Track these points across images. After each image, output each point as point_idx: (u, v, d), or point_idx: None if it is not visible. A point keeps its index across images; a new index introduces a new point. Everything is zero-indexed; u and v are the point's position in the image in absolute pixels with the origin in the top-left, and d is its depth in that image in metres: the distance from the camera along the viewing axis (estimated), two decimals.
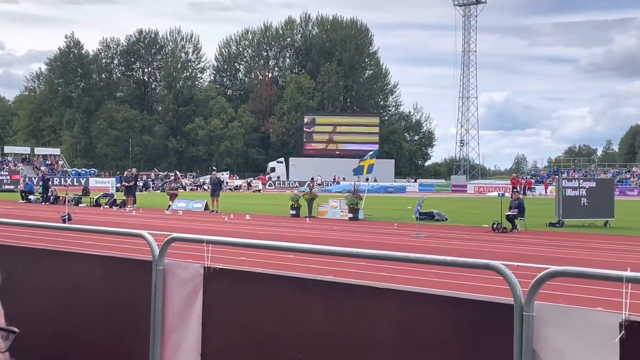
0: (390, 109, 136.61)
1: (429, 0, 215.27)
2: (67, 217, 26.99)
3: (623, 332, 3.63)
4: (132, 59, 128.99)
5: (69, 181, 72.72)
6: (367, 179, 41.34)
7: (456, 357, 4.13)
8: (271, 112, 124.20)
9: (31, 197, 45.50)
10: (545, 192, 77.74)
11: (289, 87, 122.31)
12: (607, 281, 4.07)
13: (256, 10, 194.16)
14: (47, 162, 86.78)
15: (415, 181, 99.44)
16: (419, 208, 25.62)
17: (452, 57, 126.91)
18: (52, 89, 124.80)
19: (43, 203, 43.55)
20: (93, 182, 76.89)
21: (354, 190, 34.17)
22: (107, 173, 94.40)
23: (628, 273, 3.76)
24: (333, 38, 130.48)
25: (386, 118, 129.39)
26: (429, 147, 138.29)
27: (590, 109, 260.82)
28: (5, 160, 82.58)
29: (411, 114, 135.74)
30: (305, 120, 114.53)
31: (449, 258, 4.77)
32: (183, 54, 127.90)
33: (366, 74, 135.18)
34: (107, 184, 69.17)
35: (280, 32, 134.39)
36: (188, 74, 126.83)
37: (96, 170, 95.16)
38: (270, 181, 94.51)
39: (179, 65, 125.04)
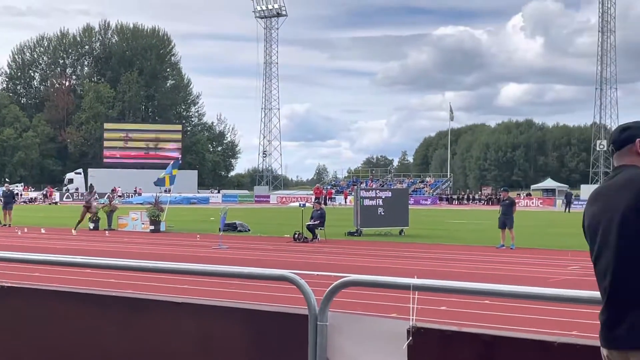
0: (193, 119, 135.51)
1: (230, 11, 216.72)
2: None
3: (410, 338, 3.80)
4: None
5: None
6: (167, 190, 40.80)
7: None
8: (69, 122, 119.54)
9: None
10: (345, 201, 79.87)
11: (88, 96, 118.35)
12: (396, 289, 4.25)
13: (51, 17, 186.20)
14: None
15: (219, 192, 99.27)
16: (224, 220, 25.58)
17: (255, 68, 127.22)
18: None
19: None
20: None
21: (156, 201, 33.59)
22: None
23: (415, 281, 3.94)
24: (134, 47, 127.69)
25: (189, 129, 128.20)
26: (233, 158, 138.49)
27: (387, 121, 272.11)
28: None
29: (215, 124, 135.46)
30: (105, 130, 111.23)
31: (245, 270, 4.82)
32: None
33: (168, 84, 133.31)
34: None
35: (78, 39, 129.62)
36: None
37: None
38: (67, 193, 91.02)
39: None
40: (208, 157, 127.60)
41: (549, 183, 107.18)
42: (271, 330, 4.12)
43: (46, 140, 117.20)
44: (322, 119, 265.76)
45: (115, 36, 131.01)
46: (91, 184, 50.62)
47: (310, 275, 13.95)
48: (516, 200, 29.38)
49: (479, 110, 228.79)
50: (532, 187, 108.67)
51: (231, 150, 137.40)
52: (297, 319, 4.05)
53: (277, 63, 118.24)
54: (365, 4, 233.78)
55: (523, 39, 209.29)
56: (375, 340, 3.92)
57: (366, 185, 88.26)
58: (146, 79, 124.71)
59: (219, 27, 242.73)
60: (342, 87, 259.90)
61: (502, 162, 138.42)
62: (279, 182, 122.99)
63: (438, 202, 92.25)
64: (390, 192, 32.49)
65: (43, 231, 30.68)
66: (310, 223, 27.24)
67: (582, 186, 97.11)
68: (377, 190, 32.87)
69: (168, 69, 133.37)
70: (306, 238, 26.43)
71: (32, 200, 77.14)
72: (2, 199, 40.33)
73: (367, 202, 30.05)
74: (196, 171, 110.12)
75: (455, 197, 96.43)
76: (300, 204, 35.15)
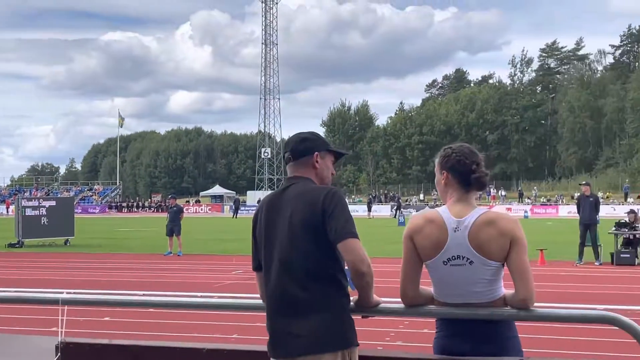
0: None
1: None
2: None
3: (59, 354, 3.71)
4: None
5: None
6: None
7: None
8: None
9: None
10: (7, 211, 75.81)
11: None
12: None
13: None
14: None
15: None
16: None
17: None
18: None
19: None
20: None
21: None
22: None
23: (64, 295, 3.85)
24: None
25: None
26: None
27: (54, 127, 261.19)
28: None
29: None
30: None
31: None
32: None
33: None
34: None
35: None
36: None
37: None
38: None
39: None
40: None
41: (217, 189, 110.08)
42: None
43: None
44: None
45: None
46: None
47: None
48: (184, 208, 29.79)
49: (150, 117, 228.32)
50: (202, 193, 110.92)
51: None
52: None
53: None
54: (31, 6, 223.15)
55: (192, 47, 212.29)
56: (26, 359, 3.79)
57: (30, 194, 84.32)
58: None
59: None
60: (5, 91, 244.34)
61: (172, 169, 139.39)
62: None
63: (107, 210, 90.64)
64: (55, 201, 31.59)
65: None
66: None
67: (249, 192, 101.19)
68: (41, 200, 31.70)
69: None
70: None
71: None
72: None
73: (29, 212, 28.93)
74: None
75: (125, 204, 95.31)
76: None
